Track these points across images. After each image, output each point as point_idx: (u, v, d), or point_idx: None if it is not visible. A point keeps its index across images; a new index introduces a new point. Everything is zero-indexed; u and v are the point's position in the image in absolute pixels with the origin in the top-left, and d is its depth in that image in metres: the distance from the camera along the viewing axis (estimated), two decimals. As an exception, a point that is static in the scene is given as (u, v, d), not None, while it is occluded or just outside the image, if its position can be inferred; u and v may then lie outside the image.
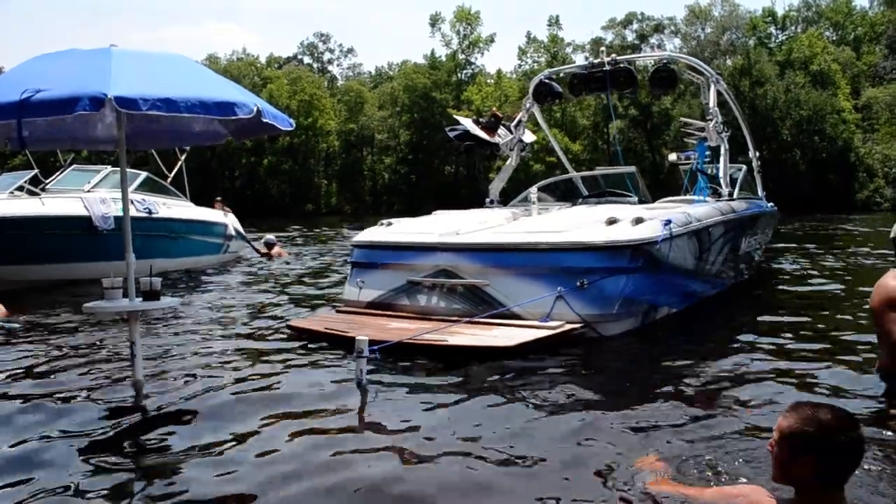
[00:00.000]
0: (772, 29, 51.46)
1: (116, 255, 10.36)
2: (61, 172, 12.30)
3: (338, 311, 7.19)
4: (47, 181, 11.87)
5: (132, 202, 11.16)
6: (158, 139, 6.10)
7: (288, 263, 14.49)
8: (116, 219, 10.87)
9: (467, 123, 10.06)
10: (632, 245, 6.08)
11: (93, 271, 10.40)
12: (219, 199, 16.49)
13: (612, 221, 6.43)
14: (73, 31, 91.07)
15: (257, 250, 15.70)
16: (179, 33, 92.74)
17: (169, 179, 13.97)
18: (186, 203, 13.78)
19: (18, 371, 5.48)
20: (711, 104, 9.08)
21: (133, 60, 4.51)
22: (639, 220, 6.31)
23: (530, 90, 10.44)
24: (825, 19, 52.06)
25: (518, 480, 3.36)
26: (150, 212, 11.74)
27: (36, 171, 11.72)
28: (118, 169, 12.92)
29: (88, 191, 11.50)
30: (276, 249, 15.62)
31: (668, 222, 6.28)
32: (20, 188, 11.09)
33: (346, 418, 4.25)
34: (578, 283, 5.95)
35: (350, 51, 71.66)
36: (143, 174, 12.92)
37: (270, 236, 16.26)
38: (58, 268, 10.50)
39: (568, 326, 5.85)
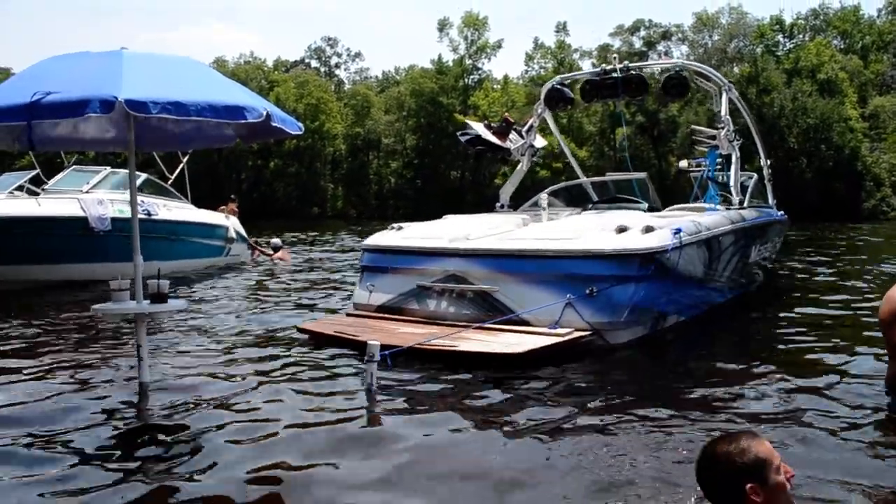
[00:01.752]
0: (779, 37, 51.33)
1: (113, 257, 10.40)
2: (62, 173, 12.30)
3: (348, 315, 7.19)
4: (49, 182, 11.86)
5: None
6: (167, 142, 6.10)
7: (285, 264, 14.50)
8: (113, 220, 10.84)
9: (479, 128, 10.06)
10: (641, 253, 6.06)
11: (90, 273, 10.41)
12: (232, 196, 16.42)
13: (622, 229, 6.41)
14: (73, 31, 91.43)
15: (262, 251, 15.63)
16: (181, 35, 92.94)
17: (170, 181, 13.94)
18: (187, 205, 13.73)
19: (23, 371, 5.47)
20: (723, 112, 9.05)
21: (143, 63, 4.52)
22: (649, 229, 6.29)
23: (542, 96, 10.44)
24: (833, 28, 51.92)
25: (525, 491, 3.32)
26: (148, 213, 11.71)
27: (37, 170, 11.72)
28: (118, 170, 12.97)
29: (87, 192, 11.46)
30: (280, 253, 15.58)
31: (678, 231, 6.27)
32: (20, 188, 11.08)
33: (356, 424, 4.22)
34: (588, 291, 5.93)
35: (357, 55, 71.90)
36: (143, 176, 12.88)
37: (276, 240, 16.24)
38: (54, 269, 10.46)
39: (577, 334, 5.83)
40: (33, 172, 11.65)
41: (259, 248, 15.94)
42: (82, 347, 6.42)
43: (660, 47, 52.83)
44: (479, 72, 57.98)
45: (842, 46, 51.23)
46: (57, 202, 10.84)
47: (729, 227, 7.61)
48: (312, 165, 56.27)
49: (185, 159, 14.55)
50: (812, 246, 18.80)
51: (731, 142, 8.86)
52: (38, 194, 11.12)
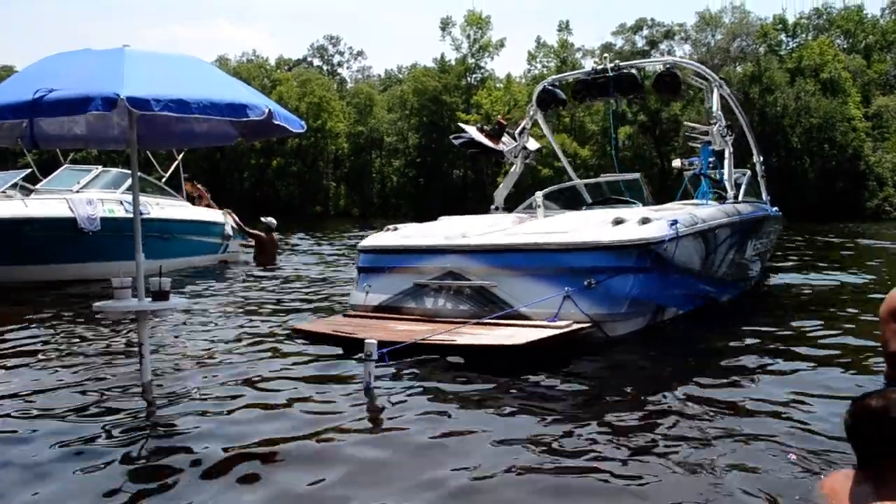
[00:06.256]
0: (782, 36, 51.34)
1: (103, 256, 10.33)
2: (55, 172, 12.24)
3: (345, 316, 7.17)
4: (42, 181, 11.85)
5: (121, 203, 11.13)
6: (169, 139, 6.10)
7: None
8: (103, 220, 10.79)
9: (471, 131, 10.05)
10: (639, 244, 6.08)
11: (80, 272, 10.38)
12: (194, 181, 15.56)
13: (618, 221, 6.43)
14: (75, 29, 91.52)
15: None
16: (190, 33, 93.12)
17: (164, 180, 13.87)
18: (181, 203, 13.63)
19: (23, 371, 5.48)
20: (715, 108, 9.06)
21: (146, 61, 4.53)
22: (645, 220, 6.31)
23: (534, 97, 10.44)
24: (836, 27, 51.89)
25: (525, 486, 3.34)
26: (140, 212, 11.60)
27: (31, 169, 11.69)
28: (109, 169, 12.94)
29: (77, 191, 11.34)
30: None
31: (675, 222, 6.29)
32: (14, 186, 11.04)
33: (355, 422, 4.21)
34: (586, 283, 5.93)
35: (360, 53, 72.12)
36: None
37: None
38: (43, 269, 10.32)
39: (576, 326, 5.82)
40: (27, 171, 11.59)
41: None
42: (83, 345, 6.45)
43: (662, 46, 52.82)
44: (482, 70, 58.06)
45: (845, 46, 51.18)
46: (45, 202, 10.70)
47: (725, 220, 7.60)
48: (315, 164, 56.38)
49: (180, 157, 14.35)
50: (813, 244, 18.79)
51: (724, 137, 8.86)
52: (30, 193, 11.06)
